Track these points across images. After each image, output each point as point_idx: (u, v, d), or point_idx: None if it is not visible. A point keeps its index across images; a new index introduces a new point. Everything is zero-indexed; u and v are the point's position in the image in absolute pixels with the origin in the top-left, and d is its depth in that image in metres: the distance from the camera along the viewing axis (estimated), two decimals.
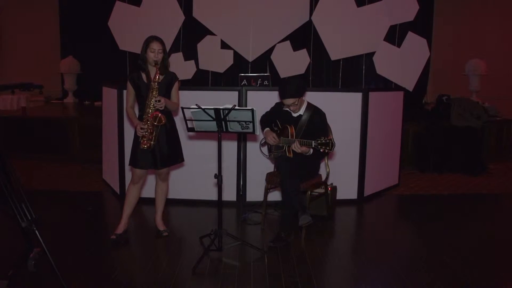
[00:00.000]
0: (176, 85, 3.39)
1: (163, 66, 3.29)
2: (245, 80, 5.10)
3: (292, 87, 3.41)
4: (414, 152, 6.01)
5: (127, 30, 6.57)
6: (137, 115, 3.36)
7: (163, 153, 3.34)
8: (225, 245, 3.30)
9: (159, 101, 3.17)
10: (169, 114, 3.34)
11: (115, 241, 3.37)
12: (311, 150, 3.36)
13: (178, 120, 3.82)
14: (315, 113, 3.53)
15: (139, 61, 3.31)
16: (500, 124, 6.49)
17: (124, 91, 3.42)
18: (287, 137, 3.47)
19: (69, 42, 8.86)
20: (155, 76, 3.20)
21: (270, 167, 4.04)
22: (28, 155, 6.01)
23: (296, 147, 3.33)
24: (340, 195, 4.22)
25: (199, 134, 4.12)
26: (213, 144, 4.17)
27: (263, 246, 3.38)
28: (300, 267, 3.04)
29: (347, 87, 7.63)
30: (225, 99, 3.94)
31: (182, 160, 3.54)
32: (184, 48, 7.22)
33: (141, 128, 3.21)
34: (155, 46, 3.22)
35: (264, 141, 3.77)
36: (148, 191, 4.03)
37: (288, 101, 3.41)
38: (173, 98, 3.39)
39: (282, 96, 3.44)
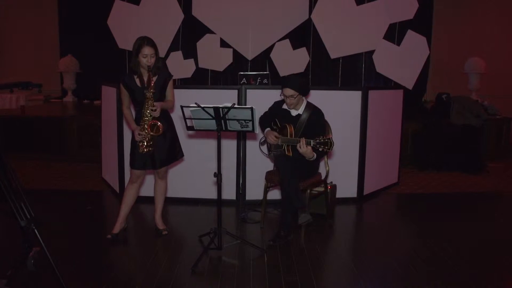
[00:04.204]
0: (170, 83, 3.37)
1: (156, 67, 3.25)
2: (244, 79, 5.08)
3: (296, 80, 3.42)
4: (413, 150, 6.01)
5: (126, 28, 6.55)
6: (134, 116, 3.35)
7: (161, 153, 3.34)
8: (225, 243, 3.30)
9: (155, 110, 3.17)
10: (165, 112, 3.34)
11: (111, 241, 3.37)
12: (315, 155, 3.34)
13: (177, 118, 3.82)
14: (314, 112, 3.52)
15: (131, 64, 3.26)
16: (499, 123, 6.49)
17: None
18: (286, 136, 3.46)
19: (68, 41, 8.83)
20: (149, 85, 3.17)
21: (269, 165, 4.03)
22: (27, 154, 6.01)
23: (302, 146, 3.28)
24: (339, 194, 4.21)
25: (198, 133, 4.12)
26: (213, 142, 4.17)
27: (263, 244, 3.38)
28: (299, 265, 3.04)
29: (347, 86, 7.61)
30: (225, 97, 3.93)
31: (182, 155, 3.53)
32: (183, 47, 7.20)
33: (139, 134, 3.21)
34: (147, 51, 3.16)
35: (263, 140, 3.76)
36: (147, 190, 4.03)
37: (288, 91, 3.40)
38: (168, 96, 3.37)
39: (284, 84, 3.42)
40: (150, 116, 3.20)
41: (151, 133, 3.20)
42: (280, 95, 3.50)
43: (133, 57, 3.22)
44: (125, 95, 3.33)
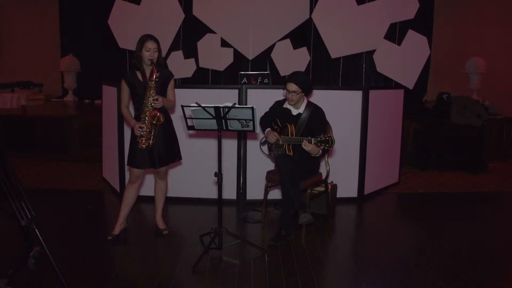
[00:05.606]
0: (171, 83, 3.38)
1: (158, 64, 3.26)
2: (245, 78, 5.08)
3: (302, 78, 3.43)
4: (414, 150, 6.00)
5: (127, 28, 6.57)
6: (132, 115, 3.36)
7: (160, 152, 3.34)
8: (225, 243, 3.30)
9: (157, 99, 3.17)
10: (165, 112, 3.34)
11: (112, 242, 3.37)
12: (321, 151, 3.35)
13: (178, 118, 3.82)
14: (314, 111, 3.53)
15: (134, 60, 3.28)
16: (500, 123, 6.48)
17: None
18: (287, 136, 3.46)
19: (69, 40, 8.85)
20: (152, 75, 3.19)
21: (270, 165, 4.03)
22: (28, 154, 6.01)
23: (306, 145, 3.29)
24: (340, 193, 4.21)
25: (199, 133, 4.12)
26: (213, 142, 4.17)
27: (263, 244, 3.38)
28: (300, 265, 3.04)
29: (348, 85, 7.62)
30: (225, 97, 3.93)
31: (180, 158, 3.53)
32: (184, 46, 7.21)
33: (140, 127, 3.21)
34: (150, 45, 3.20)
35: (264, 139, 3.76)
36: (147, 189, 4.03)
37: (291, 86, 3.40)
38: (169, 96, 3.38)
39: (290, 79, 3.43)
40: (152, 106, 3.19)
41: (153, 122, 3.19)
42: (283, 89, 3.50)
43: (136, 52, 3.25)
44: (125, 92, 3.33)
